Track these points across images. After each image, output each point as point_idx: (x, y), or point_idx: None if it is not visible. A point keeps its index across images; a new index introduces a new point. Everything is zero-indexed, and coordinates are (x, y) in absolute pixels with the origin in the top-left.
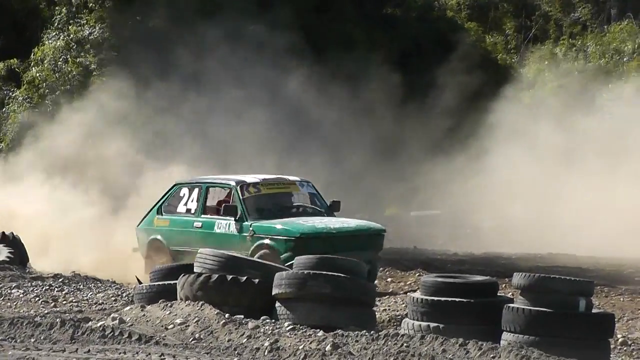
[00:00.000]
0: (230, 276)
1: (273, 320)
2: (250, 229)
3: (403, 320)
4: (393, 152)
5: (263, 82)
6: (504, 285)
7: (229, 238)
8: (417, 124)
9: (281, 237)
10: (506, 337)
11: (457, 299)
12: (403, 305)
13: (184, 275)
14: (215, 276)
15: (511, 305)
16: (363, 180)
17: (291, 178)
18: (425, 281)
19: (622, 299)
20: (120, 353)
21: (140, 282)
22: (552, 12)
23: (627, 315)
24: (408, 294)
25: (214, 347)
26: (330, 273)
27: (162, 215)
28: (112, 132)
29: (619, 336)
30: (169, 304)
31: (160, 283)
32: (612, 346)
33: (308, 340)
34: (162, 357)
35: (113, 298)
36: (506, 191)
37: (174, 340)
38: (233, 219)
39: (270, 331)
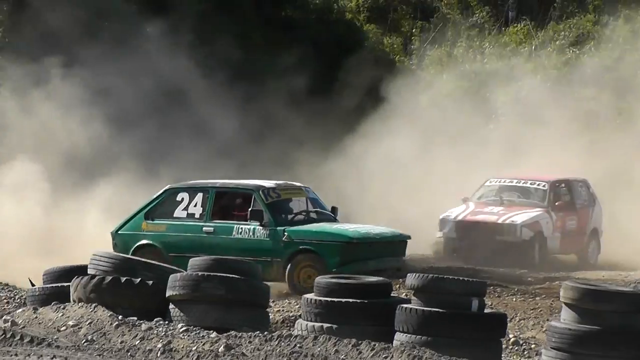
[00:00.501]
0: (124, 278)
1: (167, 322)
2: (285, 234)
3: (297, 321)
4: (289, 153)
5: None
6: (397, 286)
7: (257, 244)
8: (316, 125)
9: (328, 242)
10: (399, 337)
11: (350, 300)
12: (297, 306)
13: (77, 277)
14: (108, 278)
15: (404, 305)
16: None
17: (297, 184)
18: (319, 282)
19: (514, 299)
20: (12, 355)
21: (33, 285)
22: (450, 14)
23: (519, 315)
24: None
25: (106, 349)
26: (224, 275)
27: (152, 220)
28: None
29: (510, 336)
30: (62, 306)
31: (53, 285)
32: (503, 346)
33: (201, 342)
34: (54, 359)
35: (5, 300)
36: (400, 190)
37: (66, 343)
38: (258, 224)
39: (163, 333)
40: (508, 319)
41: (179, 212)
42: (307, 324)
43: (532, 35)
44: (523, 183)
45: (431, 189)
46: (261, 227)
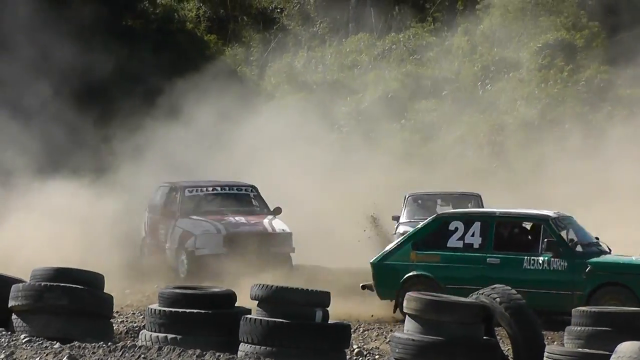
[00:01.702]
0: None
1: (9, 333)
2: (589, 266)
3: (141, 332)
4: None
5: None
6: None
7: (554, 276)
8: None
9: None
10: (243, 348)
11: (194, 310)
12: (141, 317)
13: None
14: None
15: (248, 316)
16: None
17: (565, 213)
18: (163, 292)
19: (359, 310)
20: None
21: None
22: (290, 25)
23: (362, 326)
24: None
25: None
26: (67, 285)
27: (423, 250)
28: None
29: (354, 346)
30: None
31: None
32: (347, 356)
33: (44, 352)
34: None
35: None
36: None
37: None
38: (551, 255)
39: (5, 344)
40: (352, 330)
41: (453, 242)
42: (151, 335)
43: (372, 46)
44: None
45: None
46: (557, 259)
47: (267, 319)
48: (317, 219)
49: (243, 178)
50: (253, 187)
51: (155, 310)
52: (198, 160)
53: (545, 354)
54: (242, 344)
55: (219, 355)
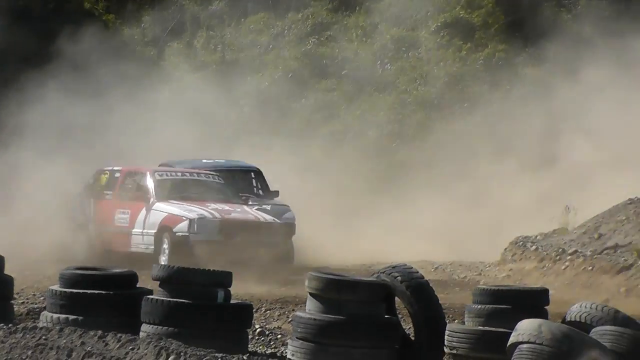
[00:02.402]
0: None
1: None
2: None
3: (42, 313)
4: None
5: None
6: (143, 277)
7: None
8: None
9: None
10: (145, 328)
11: (95, 291)
12: (42, 298)
13: None
14: None
15: (150, 297)
16: None
17: None
18: (63, 273)
19: (260, 290)
20: None
21: None
22: (187, 5)
23: (264, 305)
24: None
25: None
26: None
27: None
28: None
29: (257, 326)
30: None
31: None
32: (250, 336)
33: None
34: None
35: None
36: None
37: None
38: None
39: None
40: (254, 310)
41: None
42: (52, 316)
43: (271, 26)
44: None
45: None
46: None
47: (168, 299)
48: None
49: (148, 159)
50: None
51: (55, 291)
52: (96, 140)
53: (447, 332)
54: (143, 324)
55: (121, 337)
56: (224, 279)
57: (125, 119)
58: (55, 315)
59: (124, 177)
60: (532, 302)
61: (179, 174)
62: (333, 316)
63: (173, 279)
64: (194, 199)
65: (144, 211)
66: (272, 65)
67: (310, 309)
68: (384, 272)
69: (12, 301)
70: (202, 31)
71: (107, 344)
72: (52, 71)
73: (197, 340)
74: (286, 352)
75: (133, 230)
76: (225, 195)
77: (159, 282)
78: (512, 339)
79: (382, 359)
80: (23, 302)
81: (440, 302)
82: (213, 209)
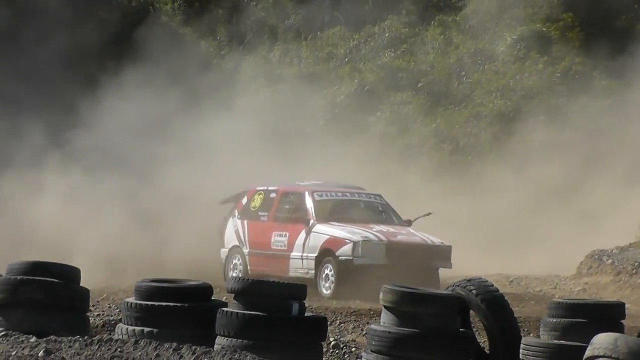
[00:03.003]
0: None
1: None
2: None
3: (117, 325)
4: None
5: None
6: (218, 290)
7: None
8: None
9: None
10: (220, 341)
11: (170, 304)
12: (117, 310)
13: None
14: None
15: (224, 309)
16: None
17: None
18: (139, 286)
19: (335, 303)
20: None
21: None
22: (266, 17)
23: (339, 319)
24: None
25: None
26: (42, 278)
27: None
28: None
29: (331, 339)
30: None
31: None
32: (324, 349)
33: (20, 347)
34: None
35: None
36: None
37: None
38: None
39: None
40: (328, 322)
41: None
42: (127, 328)
43: (347, 38)
44: None
45: None
46: None
47: (243, 311)
48: None
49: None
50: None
51: (131, 303)
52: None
53: (522, 345)
54: (218, 337)
55: (196, 349)
56: (298, 292)
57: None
58: (131, 328)
59: (280, 198)
60: (608, 315)
61: (339, 193)
62: (408, 329)
63: (248, 291)
64: (356, 220)
65: (303, 233)
66: (348, 78)
67: (385, 322)
68: (459, 286)
69: (88, 313)
70: (279, 44)
71: (181, 357)
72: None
73: (272, 353)
74: None
75: (292, 253)
76: (388, 217)
77: (234, 295)
78: (588, 352)
79: None
80: (99, 314)
81: (515, 315)
82: (377, 231)
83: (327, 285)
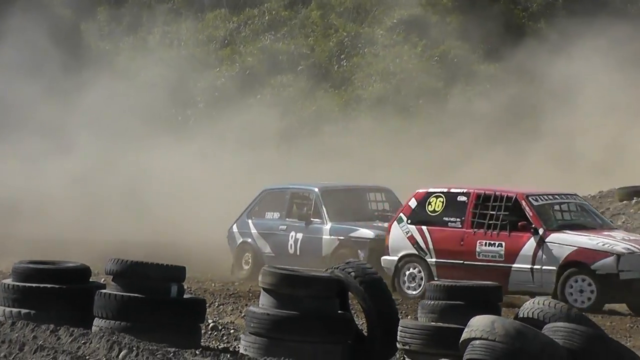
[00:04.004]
0: None
1: None
2: None
3: None
4: None
5: None
6: (97, 272)
7: None
8: None
9: None
10: (98, 323)
11: (48, 285)
12: None
13: None
14: None
15: (102, 291)
16: None
17: None
18: (16, 267)
19: (214, 285)
20: None
21: None
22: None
23: (218, 300)
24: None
25: None
26: None
27: None
28: None
29: (210, 321)
30: None
31: None
32: (203, 331)
33: None
34: None
35: None
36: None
37: None
38: None
39: None
40: (207, 305)
41: None
42: (4, 310)
43: (227, 20)
44: None
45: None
46: None
47: (121, 293)
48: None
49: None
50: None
51: (8, 285)
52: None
53: (400, 328)
54: (96, 319)
55: (73, 331)
56: (177, 274)
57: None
58: (8, 309)
59: (474, 202)
60: (485, 298)
61: (555, 197)
62: (286, 311)
63: (126, 274)
64: (586, 226)
65: (531, 243)
66: (229, 61)
67: (264, 304)
68: (337, 268)
69: None
70: (159, 26)
71: (59, 338)
72: None
73: (150, 334)
74: (239, 347)
75: (514, 265)
76: (595, 219)
77: (112, 277)
78: (465, 334)
79: (335, 354)
80: None
81: (393, 297)
82: (629, 241)
83: (580, 299)
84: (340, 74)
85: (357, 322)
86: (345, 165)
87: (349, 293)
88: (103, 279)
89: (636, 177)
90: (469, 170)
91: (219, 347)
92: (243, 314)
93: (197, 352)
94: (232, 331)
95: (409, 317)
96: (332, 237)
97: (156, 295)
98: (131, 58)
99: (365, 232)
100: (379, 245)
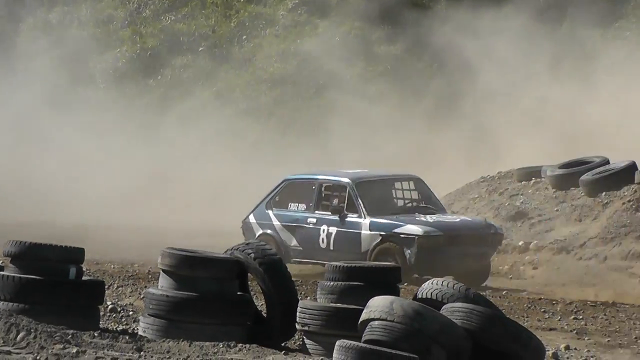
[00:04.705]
0: None
1: None
2: None
3: None
4: None
5: None
6: None
7: None
8: None
9: None
10: None
11: None
12: None
13: None
14: None
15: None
16: None
17: None
18: None
19: (113, 267)
20: None
21: None
22: None
23: (116, 282)
24: None
25: None
26: None
27: None
28: None
29: (108, 303)
30: None
31: None
32: (101, 313)
33: None
34: None
35: None
36: None
37: None
38: None
39: None
40: (106, 286)
41: None
42: None
43: (127, 1)
44: None
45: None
46: None
47: (19, 275)
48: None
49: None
50: None
51: None
52: None
53: (299, 309)
54: None
55: None
56: (76, 256)
57: None
58: None
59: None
60: (384, 279)
61: None
62: (185, 293)
63: (24, 255)
64: None
65: None
66: (129, 42)
67: (163, 286)
68: (237, 249)
69: None
70: (59, 6)
71: None
72: None
73: (49, 316)
74: (138, 329)
75: None
76: None
77: (10, 259)
78: (364, 315)
79: (234, 335)
80: None
81: (293, 279)
82: None
83: None
84: (241, 55)
85: (256, 304)
86: (245, 147)
87: (249, 274)
88: (1, 261)
89: (535, 158)
90: (375, 153)
91: (118, 329)
92: (142, 296)
93: (95, 334)
94: (131, 313)
95: (308, 298)
96: (372, 232)
97: (54, 277)
98: (32, 38)
99: (412, 229)
100: (428, 243)
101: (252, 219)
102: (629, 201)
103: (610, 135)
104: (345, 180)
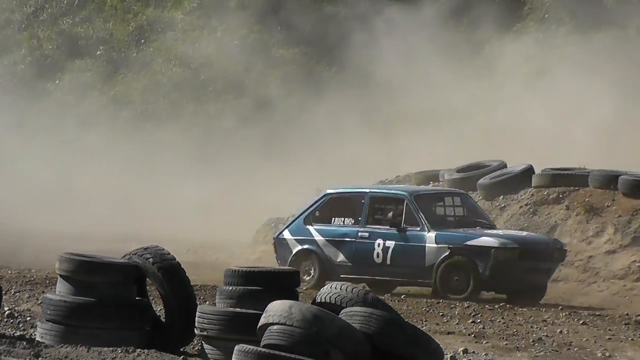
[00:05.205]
0: None
1: None
2: None
3: None
4: None
5: None
6: None
7: None
8: None
9: None
10: None
11: None
12: None
13: None
14: None
15: None
16: None
17: None
18: None
19: (10, 272)
20: None
21: None
22: None
23: (14, 288)
24: None
25: None
26: None
27: None
28: None
29: (6, 309)
30: None
31: None
32: None
33: None
34: None
35: None
36: None
37: None
38: None
39: None
40: (4, 292)
41: None
42: None
43: (24, 4)
44: None
45: None
46: None
47: None
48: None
49: None
50: None
51: None
52: None
53: (197, 313)
54: None
55: None
56: None
57: None
58: None
59: None
60: (283, 283)
61: None
62: (83, 298)
63: None
64: None
65: None
66: (27, 46)
67: (61, 291)
68: (135, 254)
69: None
70: None
71: None
72: None
73: None
74: (35, 335)
75: None
76: None
77: None
78: (263, 320)
79: (132, 340)
80: None
81: (191, 283)
82: None
83: None
84: (139, 59)
85: (155, 309)
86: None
87: (147, 279)
88: None
89: (433, 162)
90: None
91: (15, 334)
92: (40, 301)
93: None
94: (28, 318)
95: (207, 302)
96: (439, 245)
97: None
98: None
99: (488, 240)
100: (504, 255)
101: (287, 234)
102: (526, 204)
103: (508, 139)
104: (403, 193)
